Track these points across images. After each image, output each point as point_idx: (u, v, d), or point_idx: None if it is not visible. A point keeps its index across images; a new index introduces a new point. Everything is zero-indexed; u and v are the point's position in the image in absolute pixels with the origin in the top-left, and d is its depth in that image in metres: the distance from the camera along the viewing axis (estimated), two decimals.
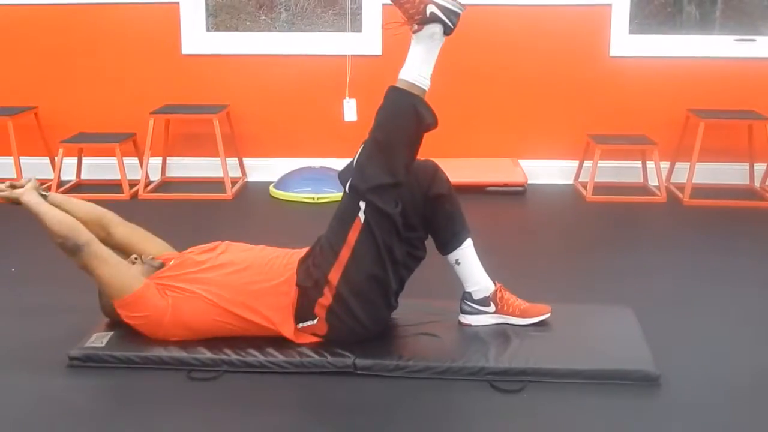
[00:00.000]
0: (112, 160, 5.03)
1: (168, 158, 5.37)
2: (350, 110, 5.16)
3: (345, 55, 4.81)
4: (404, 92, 2.71)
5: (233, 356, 2.74)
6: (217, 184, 5.07)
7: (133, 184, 5.09)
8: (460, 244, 2.94)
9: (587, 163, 5.10)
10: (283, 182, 5.08)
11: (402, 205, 2.76)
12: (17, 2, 5.25)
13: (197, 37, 5.34)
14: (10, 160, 5.00)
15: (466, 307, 3.00)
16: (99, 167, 5.31)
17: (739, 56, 5.16)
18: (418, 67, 2.71)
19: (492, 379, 2.65)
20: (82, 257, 2.77)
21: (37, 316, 3.25)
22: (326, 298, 2.75)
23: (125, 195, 4.98)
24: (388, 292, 2.80)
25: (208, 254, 2.93)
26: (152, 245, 3.05)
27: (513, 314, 2.98)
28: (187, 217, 4.68)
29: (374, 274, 2.74)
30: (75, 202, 3.05)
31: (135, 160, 5.19)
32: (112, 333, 2.88)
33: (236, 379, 2.68)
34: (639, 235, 4.43)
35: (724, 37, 5.28)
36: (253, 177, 5.40)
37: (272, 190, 5.08)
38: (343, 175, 2.80)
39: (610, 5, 5.11)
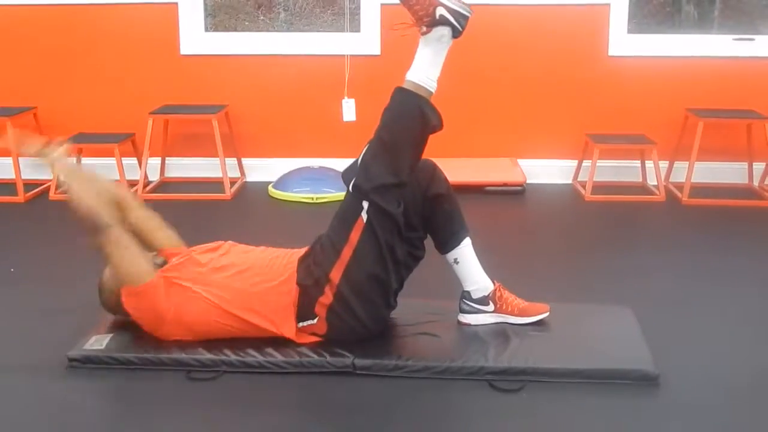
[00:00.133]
0: (111, 161, 5.02)
1: (167, 158, 5.37)
2: (349, 110, 5.17)
3: (344, 55, 4.82)
4: (411, 93, 2.72)
5: (232, 357, 2.75)
6: (215, 185, 5.07)
7: (132, 184, 5.08)
8: (459, 244, 2.95)
9: (586, 163, 5.10)
10: (281, 182, 5.08)
11: (403, 206, 2.76)
12: (16, 2, 5.25)
13: (196, 37, 5.33)
14: (8, 160, 5.00)
15: (465, 306, 3.00)
16: (98, 167, 5.26)
17: (738, 55, 5.16)
18: (425, 68, 2.72)
19: (491, 379, 2.65)
20: (102, 238, 2.74)
21: (36, 317, 3.24)
22: (327, 297, 2.75)
23: None
24: (388, 291, 2.80)
25: (210, 254, 2.93)
26: (163, 235, 3.03)
27: (512, 313, 2.98)
28: (186, 217, 4.67)
29: (375, 273, 2.74)
30: (99, 177, 3.02)
31: (134, 161, 5.19)
32: (111, 336, 2.87)
33: (235, 380, 2.68)
34: (638, 234, 4.43)
35: (722, 36, 5.28)
36: (251, 177, 5.40)
37: (271, 190, 5.08)
38: (346, 174, 2.80)
39: (608, 5, 5.11)
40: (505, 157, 5.30)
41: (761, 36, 5.23)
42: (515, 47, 5.20)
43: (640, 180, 5.25)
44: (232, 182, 5.15)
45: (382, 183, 2.70)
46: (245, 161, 5.40)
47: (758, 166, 5.13)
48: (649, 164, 5.14)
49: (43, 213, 4.77)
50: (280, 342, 2.79)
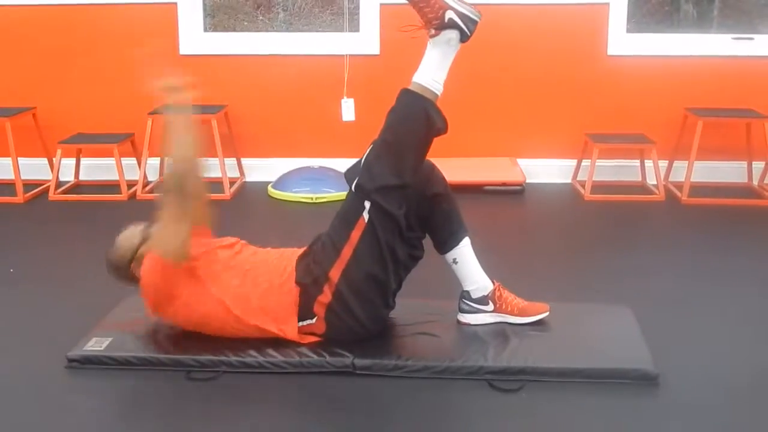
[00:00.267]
0: (111, 161, 5.03)
1: (166, 159, 5.36)
2: (348, 110, 5.17)
3: (343, 55, 4.83)
4: (416, 95, 2.72)
5: (232, 357, 2.74)
6: (215, 184, 5.06)
7: (131, 184, 5.09)
8: (458, 243, 2.95)
9: (585, 162, 5.10)
10: (281, 182, 5.08)
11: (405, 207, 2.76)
12: (15, 3, 5.25)
13: (195, 37, 5.33)
14: (8, 161, 4.99)
15: (464, 306, 3.00)
16: (97, 168, 5.31)
17: (737, 55, 5.16)
18: (432, 71, 2.73)
19: (491, 379, 2.65)
20: (173, 197, 2.67)
21: (36, 317, 3.24)
22: (326, 296, 2.75)
23: (123, 195, 4.98)
24: (387, 291, 2.81)
25: (226, 251, 2.88)
26: (204, 212, 2.96)
27: (511, 313, 2.98)
28: None
29: (375, 273, 2.74)
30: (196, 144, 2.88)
31: (133, 161, 5.19)
32: (111, 338, 2.87)
33: (235, 380, 2.68)
34: (637, 233, 4.43)
35: (721, 35, 5.28)
36: (251, 177, 5.40)
37: (270, 190, 5.08)
38: (349, 174, 2.80)
39: (607, 4, 5.11)
40: (504, 156, 5.30)
41: (760, 35, 5.23)
42: (514, 47, 5.20)
43: (640, 179, 5.25)
44: (232, 182, 5.15)
45: (385, 184, 2.70)
46: (244, 161, 5.40)
47: (757, 165, 5.13)
48: (648, 163, 5.14)
49: (42, 213, 4.77)
50: (279, 342, 2.79)
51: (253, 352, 2.75)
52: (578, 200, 4.97)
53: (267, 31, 6.42)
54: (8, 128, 4.96)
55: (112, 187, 5.06)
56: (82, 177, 5.33)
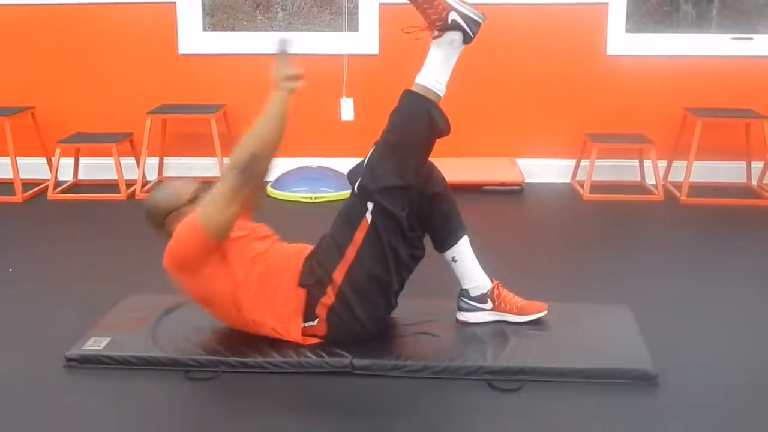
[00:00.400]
0: (109, 160, 5.02)
1: (165, 158, 5.36)
2: (347, 110, 5.17)
3: (342, 55, 4.82)
4: (419, 96, 2.72)
5: (231, 357, 2.74)
6: (214, 184, 5.05)
7: (130, 184, 5.08)
8: (457, 242, 2.95)
9: (584, 162, 5.10)
10: (280, 182, 5.07)
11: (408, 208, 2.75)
12: (14, 2, 5.24)
13: (194, 36, 5.33)
14: (6, 160, 4.99)
15: (463, 305, 3.00)
16: (96, 167, 5.31)
17: (736, 55, 5.16)
18: (435, 72, 2.73)
19: (490, 379, 2.65)
20: (239, 176, 2.64)
21: (34, 316, 3.24)
22: (328, 297, 2.75)
23: (122, 195, 4.97)
24: (389, 292, 2.80)
25: (260, 244, 2.83)
26: (256, 200, 2.95)
27: (510, 311, 2.98)
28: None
29: (378, 274, 2.74)
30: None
31: (132, 160, 5.19)
32: (109, 338, 2.86)
33: (234, 380, 2.68)
34: (636, 233, 4.43)
35: (721, 35, 5.27)
36: None
37: (269, 189, 5.07)
38: (352, 175, 2.80)
39: (606, 4, 5.11)
40: (503, 156, 5.29)
41: (759, 35, 5.23)
42: (513, 46, 5.20)
43: (639, 179, 5.25)
44: None
45: (388, 185, 2.70)
46: None
47: (756, 165, 5.13)
48: (647, 163, 5.14)
49: (41, 213, 4.77)
50: (278, 342, 2.79)
51: (252, 352, 2.75)
52: (577, 200, 4.96)
53: (266, 30, 6.41)
54: (7, 127, 4.95)
55: (110, 186, 5.06)
56: (81, 176, 5.32)
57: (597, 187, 4.97)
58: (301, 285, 2.76)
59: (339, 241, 2.76)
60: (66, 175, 5.24)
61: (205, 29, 5.46)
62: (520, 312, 2.98)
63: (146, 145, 5.04)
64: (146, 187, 5.09)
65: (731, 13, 6.25)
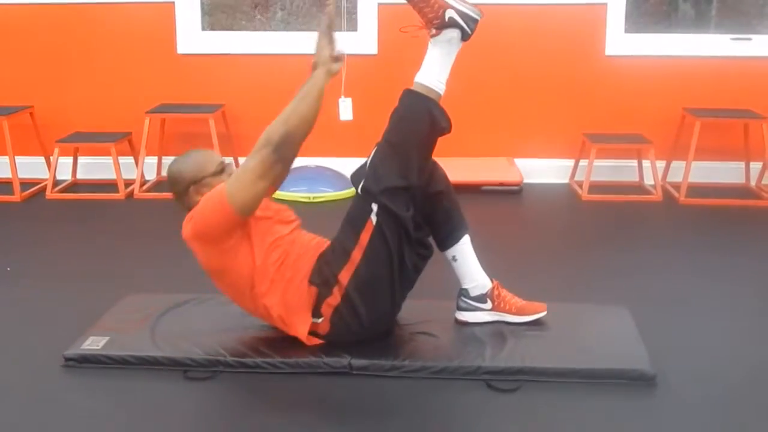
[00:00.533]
0: (108, 160, 5.02)
1: (164, 157, 5.36)
2: (346, 109, 5.15)
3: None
4: (419, 96, 2.72)
5: (229, 357, 2.74)
6: None
7: (128, 183, 5.08)
8: (458, 241, 2.96)
9: (583, 162, 5.10)
10: None
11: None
12: (13, 2, 5.24)
13: (193, 36, 5.33)
14: (5, 159, 4.99)
15: (462, 304, 3.00)
16: (94, 166, 5.31)
17: (735, 55, 5.16)
18: (435, 71, 2.73)
19: (488, 379, 2.65)
20: (271, 153, 2.62)
21: (33, 316, 3.24)
22: (334, 298, 2.75)
23: (121, 194, 4.97)
24: (395, 293, 2.79)
25: (283, 227, 2.81)
26: (283, 179, 2.91)
27: (509, 312, 2.98)
28: (183, 216, 4.67)
29: (384, 276, 2.73)
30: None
31: (131, 160, 5.19)
32: (108, 338, 2.86)
33: (232, 380, 2.68)
34: (635, 234, 4.43)
35: (719, 35, 5.28)
36: None
37: None
38: (355, 177, 2.80)
39: (605, 4, 5.11)
40: (501, 156, 5.30)
41: (758, 35, 5.23)
42: (512, 46, 5.20)
43: (637, 179, 5.25)
44: None
45: (391, 185, 2.69)
46: (242, 160, 5.37)
47: (755, 166, 5.13)
48: (646, 164, 5.14)
49: (39, 212, 4.76)
50: (277, 342, 2.79)
51: (250, 352, 2.75)
52: (575, 200, 4.96)
53: (265, 30, 6.40)
54: (6, 127, 4.95)
55: (109, 185, 5.05)
56: (80, 176, 5.32)
57: (595, 188, 4.97)
58: (311, 283, 2.76)
59: (345, 243, 2.76)
60: (64, 174, 5.24)
61: (203, 29, 5.46)
62: (519, 312, 2.98)
63: (145, 144, 5.04)
64: (144, 187, 5.09)
65: (730, 14, 6.25)
